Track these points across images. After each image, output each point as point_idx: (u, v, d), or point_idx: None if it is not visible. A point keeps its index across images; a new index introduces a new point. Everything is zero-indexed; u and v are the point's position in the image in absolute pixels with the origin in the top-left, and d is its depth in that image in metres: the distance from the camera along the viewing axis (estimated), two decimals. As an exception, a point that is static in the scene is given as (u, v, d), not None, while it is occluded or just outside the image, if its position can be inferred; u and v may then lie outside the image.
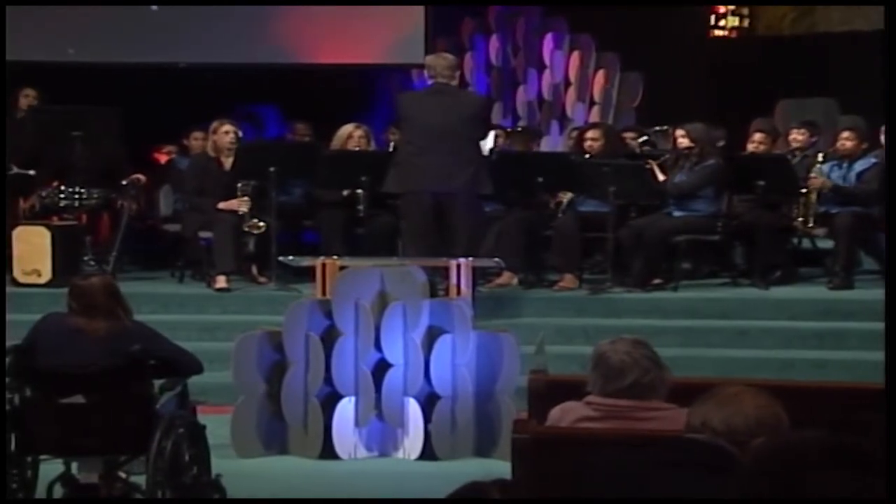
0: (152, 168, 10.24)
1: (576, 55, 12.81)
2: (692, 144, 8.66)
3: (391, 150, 8.95)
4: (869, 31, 12.11)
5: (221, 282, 8.53)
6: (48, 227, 8.69)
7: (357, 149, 8.99)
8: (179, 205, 9.39)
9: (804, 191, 8.78)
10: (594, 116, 12.52)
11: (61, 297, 5.35)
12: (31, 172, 9.05)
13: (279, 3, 11.44)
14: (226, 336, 7.58)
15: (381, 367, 6.37)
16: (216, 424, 5.76)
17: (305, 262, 7.24)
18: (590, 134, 9.19)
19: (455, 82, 8.11)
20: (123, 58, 11.17)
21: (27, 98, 9.46)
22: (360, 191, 8.72)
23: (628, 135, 10.31)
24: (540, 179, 8.56)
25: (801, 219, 8.81)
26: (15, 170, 9.07)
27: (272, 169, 8.42)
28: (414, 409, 6.37)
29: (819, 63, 13.18)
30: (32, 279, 8.53)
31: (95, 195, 8.88)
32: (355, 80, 12.09)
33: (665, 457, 3.24)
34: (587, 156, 8.97)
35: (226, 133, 8.86)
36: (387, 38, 11.75)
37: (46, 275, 8.55)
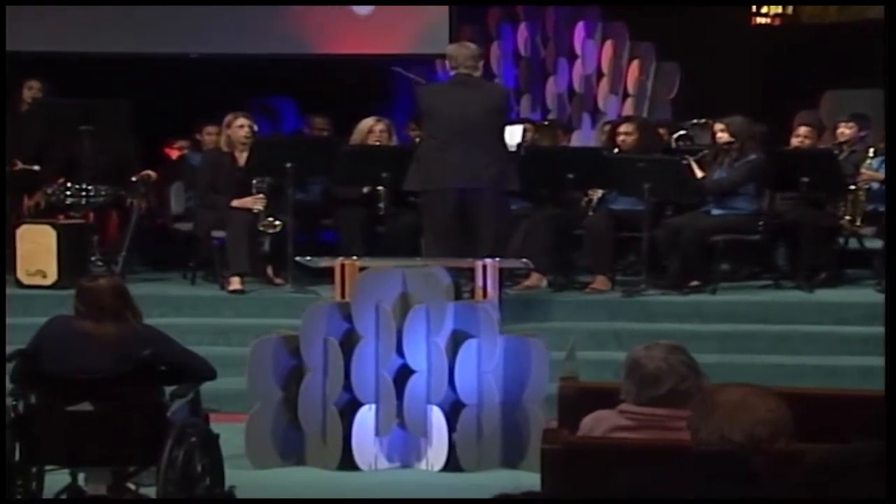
0: (163, 164, 10.28)
1: (609, 45, 12.79)
2: (732, 139, 8.63)
3: (414, 145, 8.95)
4: (920, 18, 12.01)
5: (235, 283, 8.55)
6: (54, 225, 8.72)
7: (378, 144, 9.00)
8: (191, 202, 9.42)
9: (852, 187, 8.74)
10: (628, 109, 12.50)
11: (67, 300, 5.38)
12: (36, 168, 9.10)
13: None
14: (240, 340, 7.60)
15: (404, 374, 6.38)
16: (230, 433, 5.77)
17: (323, 262, 7.25)
18: (623, 128, 9.17)
19: (478, 73, 8.11)
20: (133, 48, 11.21)
21: (31, 90, 9.49)
22: (380, 188, 8.73)
23: (664, 129, 10.29)
24: (570, 176, 8.55)
25: (848, 217, 8.77)
26: (20, 165, 9.11)
27: (289, 165, 8.43)
28: (438, 418, 6.37)
29: (867, 52, 13.10)
30: (37, 280, 8.56)
31: (103, 192, 8.91)
32: (376, 71, 12.10)
33: (703, 469, 3.23)
34: (620, 151, 8.95)
35: (240, 127, 8.88)
36: (409, 28, 11.76)
37: (52, 276, 8.59)
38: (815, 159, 8.89)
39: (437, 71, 11.96)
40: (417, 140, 9.38)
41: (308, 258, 7.49)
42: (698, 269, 8.60)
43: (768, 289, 8.79)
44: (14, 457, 4.97)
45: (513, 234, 8.57)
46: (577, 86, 12.89)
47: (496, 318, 6.45)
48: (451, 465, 6.35)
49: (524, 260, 7.62)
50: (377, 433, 6.39)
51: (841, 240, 9.21)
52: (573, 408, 4.40)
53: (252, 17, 11.40)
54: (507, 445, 6.38)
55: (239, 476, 5.50)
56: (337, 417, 6.37)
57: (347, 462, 6.37)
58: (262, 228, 8.59)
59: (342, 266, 6.80)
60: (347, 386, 6.39)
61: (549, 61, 12.95)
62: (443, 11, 11.61)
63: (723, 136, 8.68)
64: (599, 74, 12.86)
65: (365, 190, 8.95)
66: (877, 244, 8.94)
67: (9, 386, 5.04)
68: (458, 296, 6.82)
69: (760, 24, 14.77)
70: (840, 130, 9.56)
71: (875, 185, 8.81)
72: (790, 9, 14.84)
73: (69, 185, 8.86)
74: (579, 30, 12.81)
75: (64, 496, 5.08)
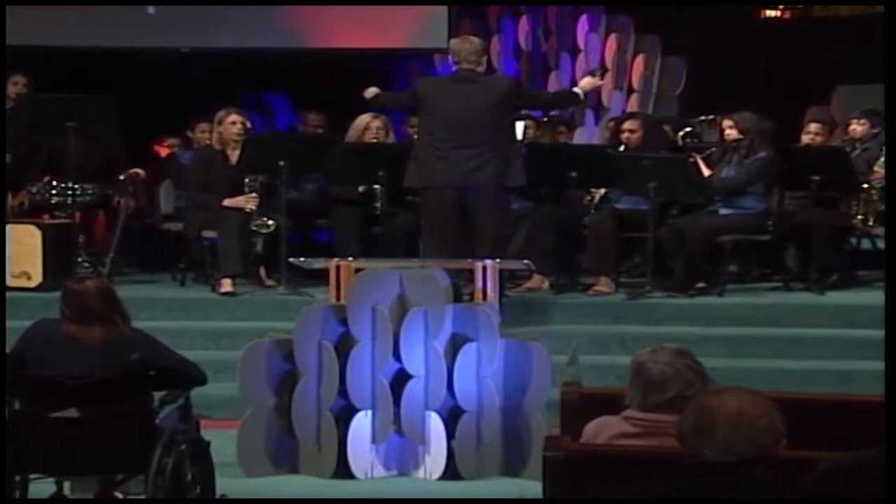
0: (152, 162, 10.28)
1: (613, 38, 12.79)
2: (741, 136, 8.64)
3: (412, 142, 8.95)
4: (936, 11, 12.02)
5: (227, 285, 8.55)
6: (39, 225, 8.72)
7: (375, 141, 9.01)
8: (181, 202, 9.42)
9: (864, 186, 8.74)
10: (632, 106, 12.50)
11: (53, 302, 5.37)
12: (7, 160, 9.01)
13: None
14: (232, 344, 7.61)
15: (401, 379, 6.38)
16: (221, 440, 5.77)
17: (318, 263, 7.26)
18: (628, 125, 9.18)
19: (482, 68, 8.12)
20: (121, 42, 11.20)
21: (16, 85, 9.49)
22: (377, 187, 8.74)
23: (669, 126, 10.29)
24: (573, 174, 8.56)
25: (860, 217, 8.78)
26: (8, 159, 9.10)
27: (282, 163, 8.43)
28: (436, 425, 6.37)
29: (880, 46, 13.11)
30: (22, 282, 8.56)
31: (90, 191, 8.90)
32: (373, 66, 12.09)
33: (710, 479, 3.23)
34: (625, 148, 8.96)
35: (232, 124, 8.88)
36: (407, 21, 11.75)
37: (37, 278, 8.58)
38: (827, 157, 8.90)
39: (435, 66, 11.97)
40: (415, 137, 9.38)
41: (302, 259, 7.49)
42: (705, 270, 8.60)
43: (778, 291, 8.79)
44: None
45: (514, 234, 8.57)
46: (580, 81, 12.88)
47: (496, 321, 6.45)
48: (450, 473, 6.35)
49: (525, 261, 7.62)
50: (373, 440, 6.39)
51: (853, 240, 9.22)
52: (576, 414, 4.40)
53: (244, 10, 11.39)
54: (507, 453, 6.39)
55: (231, 485, 5.51)
56: (332, 424, 6.38)
57: (343, 470, 6.37)
58: (254, 228, 8.59)
59: (337, 267, 6.80)
60: (343, 391, 6.39)
61: (552, 56, 12.95)
62: (442, 4, 11.60)
63: (731, 133, 8.68)
64: (603, 69, 12.86)
65: (361, 189, 8.95)
66: (890, 245, 8.95)
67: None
68: (457, 298, 6.82)
69: (770, 18, 14.78)
70: (852, 127, 9.55)
71: (888, 184, 8.82)
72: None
73: (54, 183, 8.85)
74: (582, 23, 12.81)
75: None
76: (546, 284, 8.70)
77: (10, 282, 8.58)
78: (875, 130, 9.64)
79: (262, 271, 8.87)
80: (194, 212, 8.94)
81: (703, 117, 10.64)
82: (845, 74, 12.34)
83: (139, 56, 11.33)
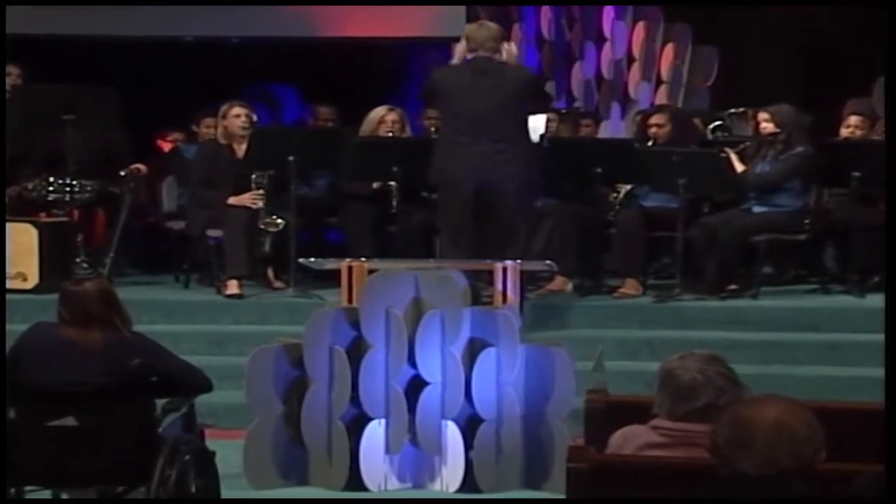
0: (154, 157, 10.31)
1: (640, 27, 12.80)
2: (778, 129, 8.63)
3: (429, 136, 8.96)
4: None
5: (233, 287, 8.57)
6: (35, 224, 8.74)
7: (389, 135, 9.02)
8: (185, 199, 9.44)
9: (907, 182, 8.73)
10: (661, 98, 12.51)
11: (50, 305, 5.39)
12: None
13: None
14: (238, 349, 7.62)
15: (416, 386, 6.39)
16: (227, 451, 5.79)
17: (329, 264, 7.26)
18: (656, 118, 9.19)
19: (500, 56, 8.08)
20: (121, 30, 11.24)
21: (11, 76, 9.51)
22: (392, 183, 8.74)
23: (699, 119, 10.29)
24: (598, 170, 8.56)
25: (902, 215, 8.76)
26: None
27: (291, 158, 8.45)
28: (453, 434, 6.38)
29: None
30: (17, 284, 8.57)
31: (89, 188, 8.94)
32: (387, 55, 12.12)
33: (746, 493, 3.24)
34: (653, 143, 8.96)
35: (237, 117, 8.90)
36: (423, 8, 11.77)
37: (33, 279, 8.61)
38: (867, 151, 8.88)
39: (452, 56, 11.97)
40: (433, 130, 9.39)
41: (312, 260, 7.50)
42: (738, 271, 8.60)
43: (815, 293, 8.78)
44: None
45: (536, 233, 8.57)
46: (605, 72, 12.90)
47: (517, 326, 6.45)
48: (468, 485, 6.36)
49: (548, 262, 7.62)
50: (387, 450, 6.40)
51: (895, 240, 9.19)
52: (601, 423, 4.40)
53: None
54: (528, 464, 6.39)
55: (236, 497, 5.51)
56: (343, 433, 6.38)
57: (354, 482, 6.37)
58: (262, 227, 8.61)
59: (349, 268, 6.81)
60: (355, 399, 6.40)
61: (576, 45, 12.97)
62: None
63: (767, 127, 8.68)
64: (630, 59, 12.87)
65: (375, 185, 8.96)
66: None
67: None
68: (475, 301, 6.82)
69: (806, 3, 14.72)
70: (894, 120, 9.54)
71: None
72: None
73: (51, 179, 8.88)
74: (608, 11, 12.83)
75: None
76: (569, 286, 8.70)
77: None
78: (919, 123, 9.64)
79: (270, 272, 8.89)
80: (198, 210, 8.95)
81: (732, 110, 10.64)
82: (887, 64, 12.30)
83: (141, 45, 11.36)
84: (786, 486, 3.07)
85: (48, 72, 9.60)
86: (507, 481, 6.38)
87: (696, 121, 10.20)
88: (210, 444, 5.33)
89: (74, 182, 8.80)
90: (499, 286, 6.85)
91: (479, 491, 6.35)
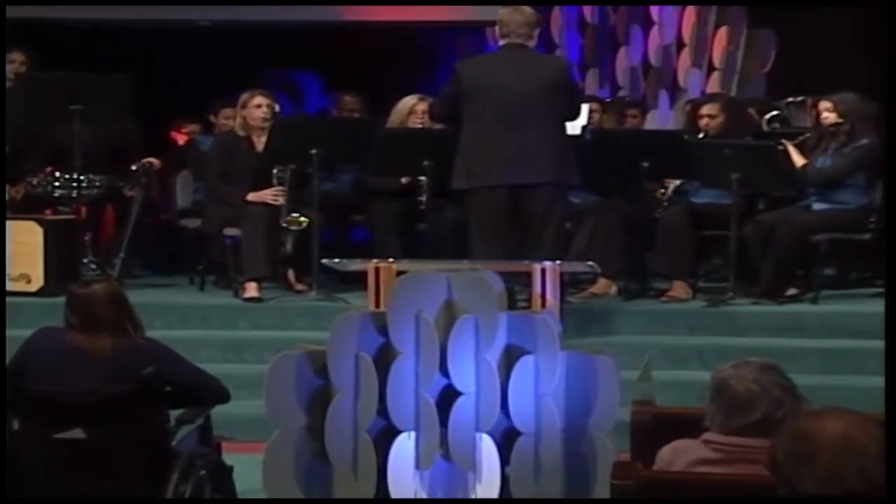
0: (168, 150, 10.36)
1: (691, 10, 12.77)
2: (840, 120, 8.60)
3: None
4: None
5: (252, 290, 8.60)
6: (40, 221, 8.78)
7: (420, 126, 9.02)
8: (200, 195, 9.47)
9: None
10: (713, 86, 12.48)
11: (56, 309, 5.42)
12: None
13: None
14: (256, 357, 7.64)
15: (448, 396, 6.38)
16: (245, 465, 5.80)
17: (354, 265, 7.27)
18: (707, 108, 9.18)
19: (533, 42, 8.07)
20: (133, 14, 11.28)
21: (14, 64, 9.57)
22: (422, 178, 8.75)
23: (755, 108, 10.26)
24: (645, 164, 8.54)
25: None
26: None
27: (314, 151, 8.47)
28: (488, 448, 6.37)
29: None
30: (21, 286, 8.62)
31: (98, 183, 8.97)
32: (417, 41, 12.13)
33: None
34: (704, 135, 8.94)
35: (257, 107, 8.93)
36: (455, -10, 11.78)
37: (38, 281, 8.65)
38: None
39: (487, 41, 11.99)
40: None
41: (336, 260, 7.51)
42: (796, 274, 8.57)
43: (879, 298, 8.75)
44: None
45: (576, 232, 8.56)
46: (653, 58, 12.87)
47: (557, 332, 6.44)
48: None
49: (590, 263, 7.61)
50: (417, 465, 6.40)
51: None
52: (648, 437, 4.40)
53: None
54: (569, 481, 6.37)
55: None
56: (370, 447, 6.38)
57: (382, 498, 6.38)
58: (283, 225, 8.63)
59: (376, 269, 6.82)
60: (382, 410, 6.40)
61: (621, 29, 12.95)
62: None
63: (829, 117, 8.65)
64: (680, 44, 12.84)
65: (403, 180, 8.97)
66: None
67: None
68: (511, 305, 6.82)
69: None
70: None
71: None
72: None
73: (57, 174, 8.91)
74: (656, -8, 12.81)
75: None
76: (613, 290, 8.69)
77: (7, 285, 8.65)
78: None
79: (292, 274, 8.91)
80: (215, 207, 8.98)
81: (790, 99, 10.60)
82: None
83: (153, 30, 11.40)
84: None
85: (54, 58, 9.64)
86: (547, 498, 6.37)
87: (752, 111, 10.17)
88: (227, 458, 5.35)
89: (82, 177, 8.84)
90: (537, 289, 6.85)
91: (515, 509, 6.35)
